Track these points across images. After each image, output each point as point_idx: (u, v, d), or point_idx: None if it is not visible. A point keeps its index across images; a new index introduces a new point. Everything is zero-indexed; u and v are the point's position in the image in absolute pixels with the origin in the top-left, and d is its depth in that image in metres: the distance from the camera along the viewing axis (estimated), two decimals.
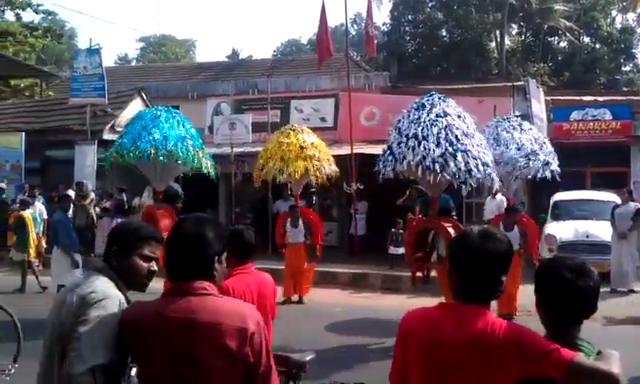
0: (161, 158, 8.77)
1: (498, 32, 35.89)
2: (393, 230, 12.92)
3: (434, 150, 7.71)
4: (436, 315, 2.26)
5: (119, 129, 15.65)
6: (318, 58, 16.35)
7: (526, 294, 7.51)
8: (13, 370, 4.53)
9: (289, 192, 12.68)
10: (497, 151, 9.36)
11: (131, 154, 8.90)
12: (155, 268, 2.66)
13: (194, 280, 2.24)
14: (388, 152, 8.20)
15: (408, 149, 7.87)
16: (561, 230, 12.35)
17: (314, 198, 15.08)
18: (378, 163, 8.41)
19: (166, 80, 25.05)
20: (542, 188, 12.99)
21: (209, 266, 2.29)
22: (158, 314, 2.21)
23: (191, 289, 2.23)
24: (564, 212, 13.20)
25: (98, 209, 13.42)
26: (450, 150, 7.74)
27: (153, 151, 8.73)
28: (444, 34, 37.70)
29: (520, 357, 2.07)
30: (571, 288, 2.17)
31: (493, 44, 37.01)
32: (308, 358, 4.36)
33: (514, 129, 9.81)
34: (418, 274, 11.62)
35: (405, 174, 8.31)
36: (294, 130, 11.19)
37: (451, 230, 8.09)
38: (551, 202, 13.55)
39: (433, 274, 10.34)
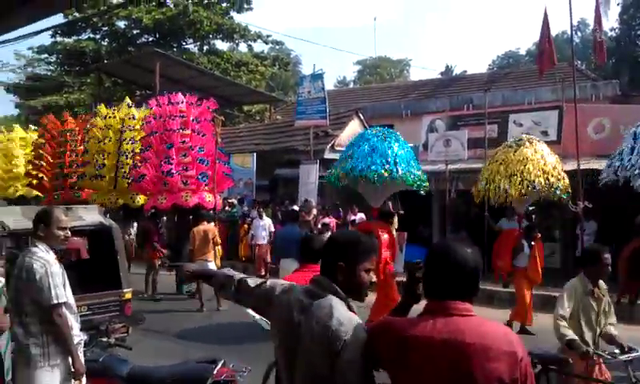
0: (378, 178, 9.08)
1: None
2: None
3: None
4: None
5: (339, 148, 16.44)
6: (539, 68, 15.52)
7: None
8: (247, 373, 4.76)
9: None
10: None
11: (352, 175, 9.38)
12: (374, 279, 2.70)
13: (458, 300, 2.24)
14: (617, 157, 7.53)
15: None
16: None
17: (534, 217, 14.18)
18: (606, 169, 7.83)
19: (381, 100, 25.74)
20: None
21: (476, 290, 2.30)
22: (425, 332, 2.21)
23: (457, 309, 2.22)
24: None
25: (319, 224, 14.14)
26: None
27: (374, 174, 9.08)
28: None
29: None
30: None
31: None
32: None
33: None
34: (623, 299, 10.35)
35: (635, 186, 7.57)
36: (530, 142, 9.99)
37: None
38: None
39: None
